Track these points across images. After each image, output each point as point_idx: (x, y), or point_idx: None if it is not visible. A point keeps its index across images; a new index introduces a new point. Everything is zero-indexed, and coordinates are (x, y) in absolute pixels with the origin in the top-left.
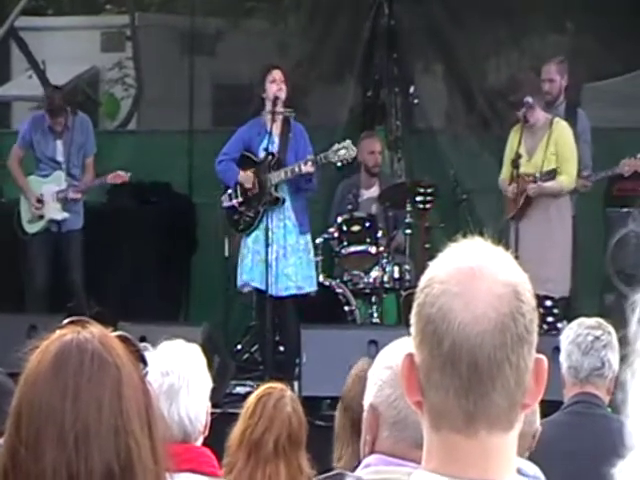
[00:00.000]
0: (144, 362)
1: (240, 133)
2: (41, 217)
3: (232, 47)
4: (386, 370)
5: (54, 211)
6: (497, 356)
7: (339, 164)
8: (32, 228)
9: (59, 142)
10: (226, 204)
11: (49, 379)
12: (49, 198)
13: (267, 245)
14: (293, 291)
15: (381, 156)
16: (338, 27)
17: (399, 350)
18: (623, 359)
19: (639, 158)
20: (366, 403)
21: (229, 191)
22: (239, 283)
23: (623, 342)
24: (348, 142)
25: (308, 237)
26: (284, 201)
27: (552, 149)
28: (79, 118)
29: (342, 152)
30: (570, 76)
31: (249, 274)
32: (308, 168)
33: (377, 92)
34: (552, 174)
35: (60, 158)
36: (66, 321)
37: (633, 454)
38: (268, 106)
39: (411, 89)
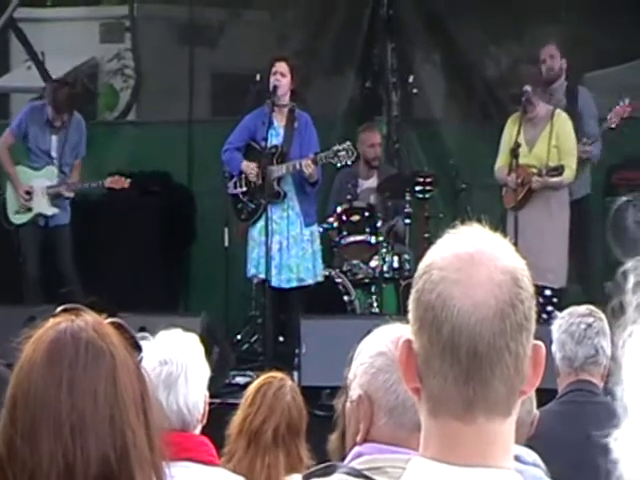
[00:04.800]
0: (138, 348)
1: (245, 122)
2: (29, 209)
3: (231, 38)
4: (379, 357)
5: (43, 206)
6: (497, 343)
7: (338, 165)
8: (18, 219)
9: (54, 137)
10: (231, 191)
11: (44, 369)
12: (39, 192)
13: (267, 235)
14: (294, 283)
15: (380, 147)
16: (337, 17)
17: (388, 336)
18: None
19: (624, 104)
20: (355, 393)
21: (235, 179)
22: (249, 274)
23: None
24: (348, 144)
25: (314, 228)
26: (285, 195)
27: (554, 142)
28: (75, 118)
29: (342, 154)
30: (569, 63)
31: (257, 267)
32: (308, 167)
33: (376, 82)
34: (559, 170)
35: (54, 153)
36: (59, 309)
37: (627, 422)
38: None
39: (410, 79)
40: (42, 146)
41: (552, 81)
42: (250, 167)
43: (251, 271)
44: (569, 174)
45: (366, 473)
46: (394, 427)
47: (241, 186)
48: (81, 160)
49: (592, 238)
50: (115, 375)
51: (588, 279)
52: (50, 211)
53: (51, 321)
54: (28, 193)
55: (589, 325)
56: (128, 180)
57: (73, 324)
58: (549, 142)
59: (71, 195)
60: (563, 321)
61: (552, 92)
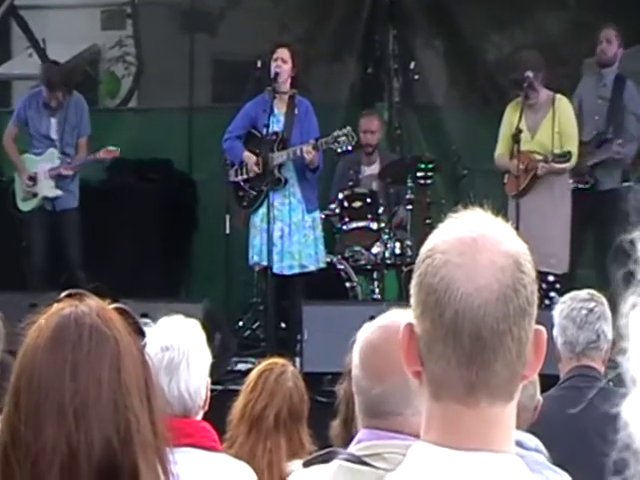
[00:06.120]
0: (142, 334)
1: (246, 109)
2: (35, 195)
3: (232, 25)
4: (360, 342)
5: (47, 189)
6: (500, 327)
7: (339, 150)
8: (26, 206)
9: (53, 120)
10: (232, 179)
11: (47, 354)
12: (42, 176)
13: (268, 222)
14: (297, 270)
15: (379, 134)
16: (338, 3)
17: (380, 321)
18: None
19: None
20: None
21: (235, 166)
22: (251, 262)
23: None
24: (348, 129)
25: (315, 214)
26: (286, 182)
27: (556, 128)
28: (74, 98)
29: (342, 139)
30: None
31: (259, 255)
32: (309, 153)
33: (378, 68)
34: (567, 157)
35: (54, 136)
36: (63, 294)
37: (636, 391)
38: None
39: (412, 65)
40: (42, 130)
41: (603, 65)
42: (251, 159)
43: (253, 258)
44: (573, 159)
45: (365, 459)
46: (358, 411)
47: (242, 174)
48: (87, 138)
49: (611, 226)
50: (119, 360)
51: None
52: (53, 193)
53: (55, 306)
54: (32, 179)
55: (590, 310)
56: (118, 149)
57: (77, 309)
58: (552, 128)
59: (70, 173)
60: (564, 306)
61: (601, 77)
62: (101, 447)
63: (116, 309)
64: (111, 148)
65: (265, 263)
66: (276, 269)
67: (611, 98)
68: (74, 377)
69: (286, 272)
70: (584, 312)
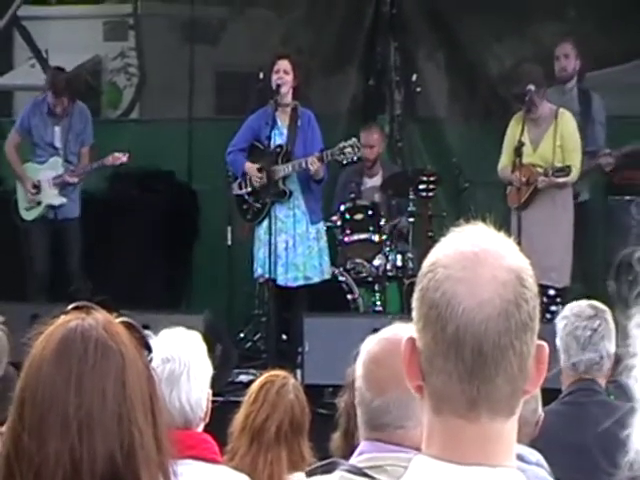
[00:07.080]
0: (148, 348)
1: (249, 122)
2: (39, 203)
3: (234, 36)
4: (362, 354)
5: (51, 197)
6: (501, 342)
7: (344, 162)
8: (29, 215)
9: (57, 128)
10: (236, 192)
11: (53, 366)
12: (46, 184)
13: (270, 234)
14: (301, 282)
15: (379, 148)
16: (340, 15)
17: (382, 334)
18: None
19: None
20: None
21: (239, 179)
22: (256, 274)
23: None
24: (354, 140)
25: (319, 226)
26: (290, 194)
27: (558, 142)
28: (78, 106)
29: (348, 150)
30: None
31: (263, 267)
32: (314, 164)
33: (379, 80)
34: (566, 171)
35: (58, 144)
36: (71, 306)
37: None
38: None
39: (413, 77)
40: (46, 138)
41: (564, 81)
42: (253, 169)
43: (258, 271)
44: (574, 173)
45: (366, 471)
46: (360, 422)
47: (246, 186)
48: (89, 148)
49: (596, 238)
50: (124, 374)
51: (590, 278)
52: (57, 201)
53: (62, 318)
54: (35, 187)
55: (594, 330)
56: (127, 154)
57: (83, 322)
58: (554, 142)
59: (75, 180)
60: (568, 322)
61: (564, 92)
62: (104, 461)
63: (123, 323)
64: (118, 154)
65: (268, 276)
66: (281, 281)
67: (580, 112)
68: (79, 390)
69: (291, 284)
70: (588, 333)
